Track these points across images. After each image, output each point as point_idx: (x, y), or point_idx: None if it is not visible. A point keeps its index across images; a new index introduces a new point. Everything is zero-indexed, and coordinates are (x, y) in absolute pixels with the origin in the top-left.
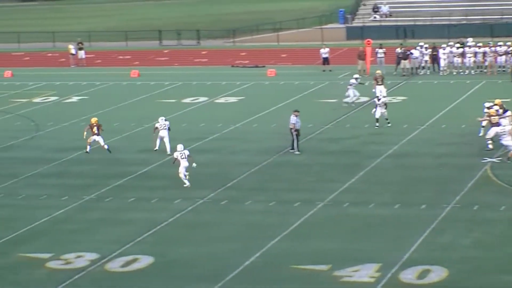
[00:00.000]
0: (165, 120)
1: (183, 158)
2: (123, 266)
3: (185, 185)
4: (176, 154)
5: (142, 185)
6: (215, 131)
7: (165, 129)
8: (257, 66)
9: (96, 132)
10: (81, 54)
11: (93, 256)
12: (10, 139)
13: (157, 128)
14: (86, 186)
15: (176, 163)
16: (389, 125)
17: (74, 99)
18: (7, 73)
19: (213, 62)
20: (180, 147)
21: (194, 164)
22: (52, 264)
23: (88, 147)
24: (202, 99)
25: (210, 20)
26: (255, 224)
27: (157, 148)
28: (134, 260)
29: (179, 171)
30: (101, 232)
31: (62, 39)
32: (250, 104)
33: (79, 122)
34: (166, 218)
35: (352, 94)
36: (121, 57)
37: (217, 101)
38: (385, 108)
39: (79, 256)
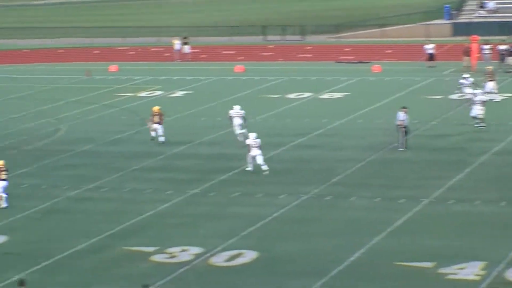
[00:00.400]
0: (241, 109)
1: (255, 146)
2: (227, 260)
3: (247, 168)
4: (248, 141)
5: (247, 180)
6: (319, 126)
7: (240, 117)
8: (361, 62)
9: (157, 121)
10: (186, 49)
11: (197, 250)
12: (115, 133)
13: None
14: (191, 180)
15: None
16: (481, 127)
17: (179, 93)
18: (113, 67)
19: (317, 58)
20: (253, 135)
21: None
22: (157, 258)
23: (153, 133)
24: (306, 94)
25: (314, 16)
26: (359, 220)
27: (239, 132)
28: (238, 255)
29: (247, 157)
30: (205, 226)
31: (166, 34)
32: (355, 100)
33: (183, 116)
34: (270, 213)
35: (472, 91)
36: (225, 52)
37: (321, 96)
38: (483, 106)
39: (183, 250)
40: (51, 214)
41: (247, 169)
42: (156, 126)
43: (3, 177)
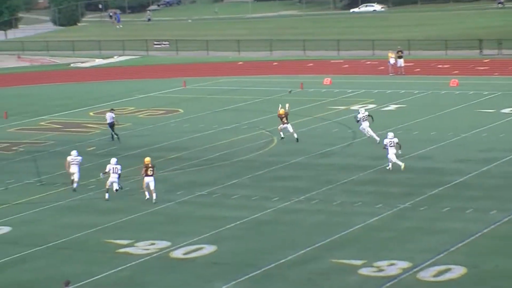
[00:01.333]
0: (366, 111)
1: (391, 145)
2: (435, 275)
3: (388, 167)
4: (385, 141)
5: (458, 194)
6: None
7: (366, 120)
8: None
9: (285, 121)
10: (400, 62)
11: (405, 264)
12: (327, 145)
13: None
14: (401, 194)
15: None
16: None
17: (392, 107)
18: (327, 80)
19: None
20: (391, 135)
21: (399, 151)
22: (365, 271)
23: (281, 133)
24: None
25: None
26: None
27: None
28: (447, 270)
29: (388, 157)
30: (414, 240)
31: (381, 47)
32: None
33: (396, 130)
34: (480, 228)
35: None
36: (440, 66)
37: None
38: None
39: (391, 264)
40: (260, 225)
41: (387, 168)
42: (284, 126)
43: (149, 173)
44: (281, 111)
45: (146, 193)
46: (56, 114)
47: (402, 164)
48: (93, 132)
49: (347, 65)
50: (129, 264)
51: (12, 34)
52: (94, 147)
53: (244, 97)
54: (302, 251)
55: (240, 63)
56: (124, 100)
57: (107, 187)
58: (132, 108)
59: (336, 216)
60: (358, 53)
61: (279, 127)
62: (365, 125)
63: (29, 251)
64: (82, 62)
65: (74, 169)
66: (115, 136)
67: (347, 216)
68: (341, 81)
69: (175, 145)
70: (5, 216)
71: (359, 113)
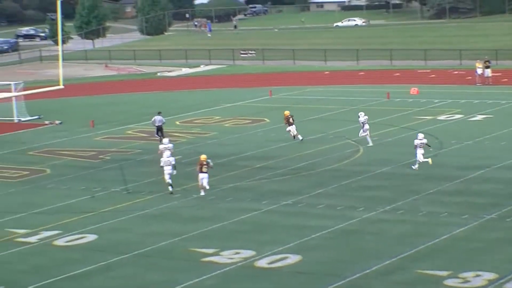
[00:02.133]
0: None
1: (421, 146)
2: None
3: (413, 167)
4: (416, 142)
5: None
6: None
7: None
8: None
9: (292, 122)
10: (487, 72)
11: (491, 275)
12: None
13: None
14: (487, 204)
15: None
16: None
17: (479, 117)
18: (413, 90)
19: None
20: (421, 135)
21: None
22: (450, 282)
23: (300, 136)
24: None
25: None
26: None
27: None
28: None
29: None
30: (500, 251)
31: (468, 57)
32: None
33: (483, 140)
34: None
35: None
36: None
37: None
38: None
39: (477, 275)
40: (345, 235)
41: (413, 167)
42: (289, 128)
43: (204, 170)
44: (286, 112)
45: (201, 190)
46: (143, 123)
47: (429, 160)
48: (179, 141)
49: (434, 75)
50: (213, 273)
51: (99, 43)
52: (180, 156)
53: (330, 106)
54: (387, 262)
55: (327, 72)
56: (210, 109)
57: (166, 181)
58: (218, 117)
59: (422, 227)
60: (445, 63)
61: (287, 129)
62: (365, 128)
63: (115, 259)
64: (169, 71)
65: (166, 154)
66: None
67: (433, 227)
68: (428, 91)
69: (261, 154)
70: (92, 224)
71: (359, 117)
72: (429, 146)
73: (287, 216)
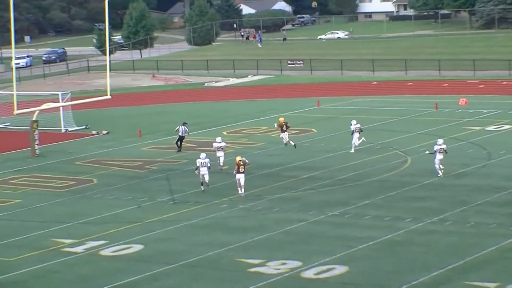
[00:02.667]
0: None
1: (440, 152)
2: None
3: (438, 175)
4: (436, 148)
5: None
6: None
7: (357, 131)
8: None
9: (284, 129)
10: None
11: None
12: (461, 166)
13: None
14: None
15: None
16: None
17: None
18: (462, 100)
19: None
20: (441, 141)
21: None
22: None
23: (292, 142)
24: None
25: None
26: None
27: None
28: None
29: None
30: None
31: None
32: None
33: None
34: None
35: None
36: None
37: None
38: None
39: None
40: (393, 246)
41: (438, 176)
42: (282, 134)
43: (241, 170)
44: (281, 119)
45: (239, 188)
46: (190, 133)
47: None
48: (226, 151)
49: (482, 85)
50: (260, 284)
51: (147, 53)
52: (227, 166)
53: (378, 117)
54: (435, 273)
55: (375, 82)
56: (257, 119)
57: (201, 180)
58: (265, 127)
59: (470, 238)
60: (494, 73)
61: (280, 136)
62: (355, 136)
63: (161, 269)
64: (216, 81)
65: (219, 153)
66: (179, 149)
67: (481, 238)
68: (476, 102)
69: (308, 165)
70: (138, 234)
71: (351, 124)
72: (447, 152)
73: (334, 226)
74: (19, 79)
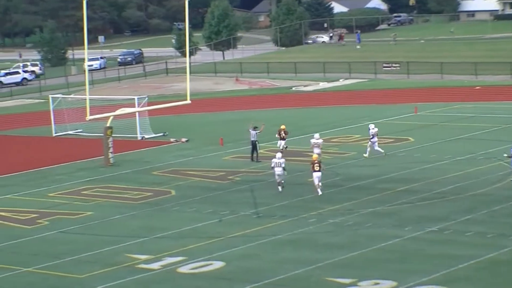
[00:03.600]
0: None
1: None
2: None
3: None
4: None
5: None
6: None
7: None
8: None
9: (283, 136)
10: None
11: None
12: None
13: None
14: None
15: None
16: None
17: None
18: None
19: None
20: None
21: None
22: None
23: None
24: None
25: None
26: None
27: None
28: None
29: None
30: None
31: None
32: None
33: None
34: None
35: None
36: None
37: None
38: None
39: None
40: (496, 265)
41: None
42: (280, 141)
43: (317, 168)
44: (282, 126)
45: (318, 189)
46: (274, 142)
47: None
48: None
49: None
50: None
51: (230, 54)
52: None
53: (481, 125)
54: None
55: (478, 87)
56: (349, 127)
57: (277, 181)
58: (358, 136)
59: None
60: None
61: (278, 143)
62: (374, 140)
63: None
64: (305, 86)
65: (316, 151)
66: (256, 160)
67: None
68: None
69: (404, 176)
70: (219, 250)
71: (369, 129)
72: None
73: (432, 244)
74: (92, 83)
